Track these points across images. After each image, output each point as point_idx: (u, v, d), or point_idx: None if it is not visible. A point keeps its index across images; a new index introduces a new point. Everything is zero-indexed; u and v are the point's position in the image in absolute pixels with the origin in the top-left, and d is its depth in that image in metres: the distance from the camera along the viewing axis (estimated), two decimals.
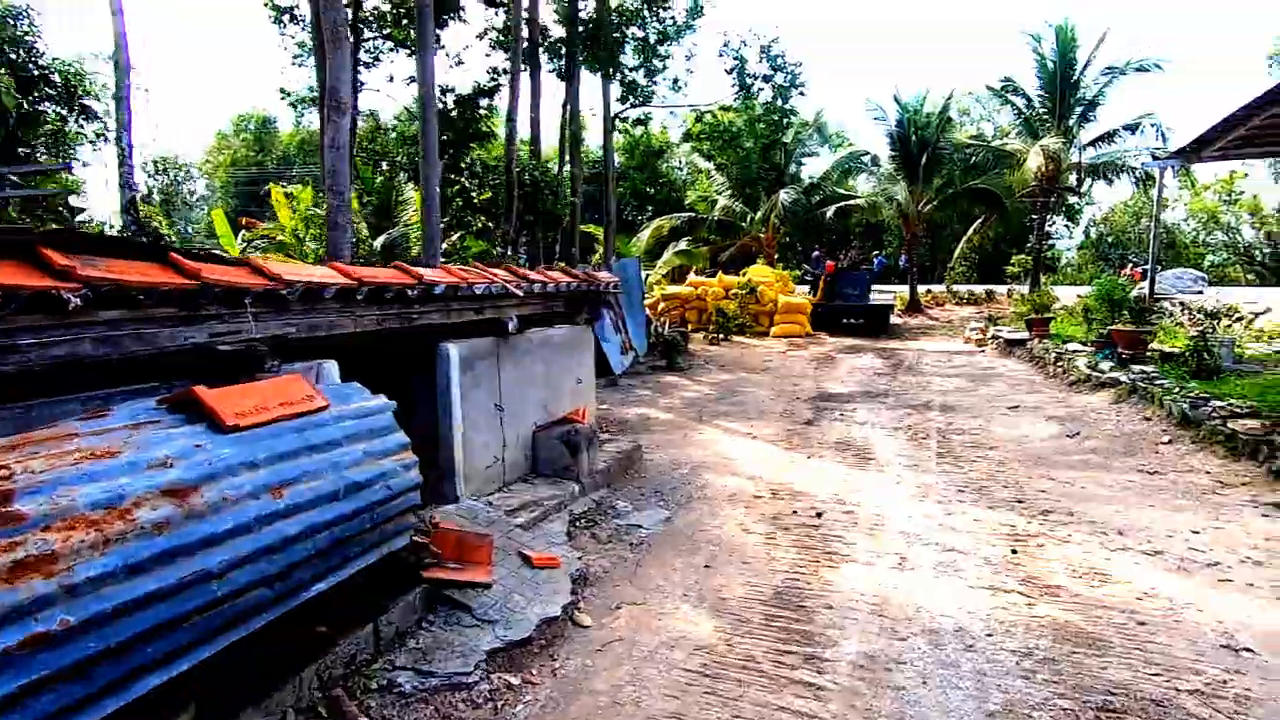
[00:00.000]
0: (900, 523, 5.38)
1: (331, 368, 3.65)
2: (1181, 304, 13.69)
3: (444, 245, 16.00)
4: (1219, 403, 7.44)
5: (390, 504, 3.00)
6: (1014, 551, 4.78)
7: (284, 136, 49.46)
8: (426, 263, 9.09)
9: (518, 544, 4.35)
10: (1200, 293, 21.90)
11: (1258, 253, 39.42)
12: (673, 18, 19.75)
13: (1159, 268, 26.84)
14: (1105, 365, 10.63)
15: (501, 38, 16.39)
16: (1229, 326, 12.52)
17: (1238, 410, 7.05)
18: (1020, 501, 5.86)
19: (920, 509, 5.70)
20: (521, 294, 5.04)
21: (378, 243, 15.99)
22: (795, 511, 5.64)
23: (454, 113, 16.09)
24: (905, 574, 4.48)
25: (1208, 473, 6.44)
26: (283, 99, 16.85)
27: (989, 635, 3.71)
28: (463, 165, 15.76)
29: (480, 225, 15.93)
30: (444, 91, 16.53)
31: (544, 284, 5.50)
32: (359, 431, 2.97)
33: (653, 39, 19.95)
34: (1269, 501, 5.64)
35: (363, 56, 16.99)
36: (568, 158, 16.67)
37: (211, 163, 50.75)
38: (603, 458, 6.34)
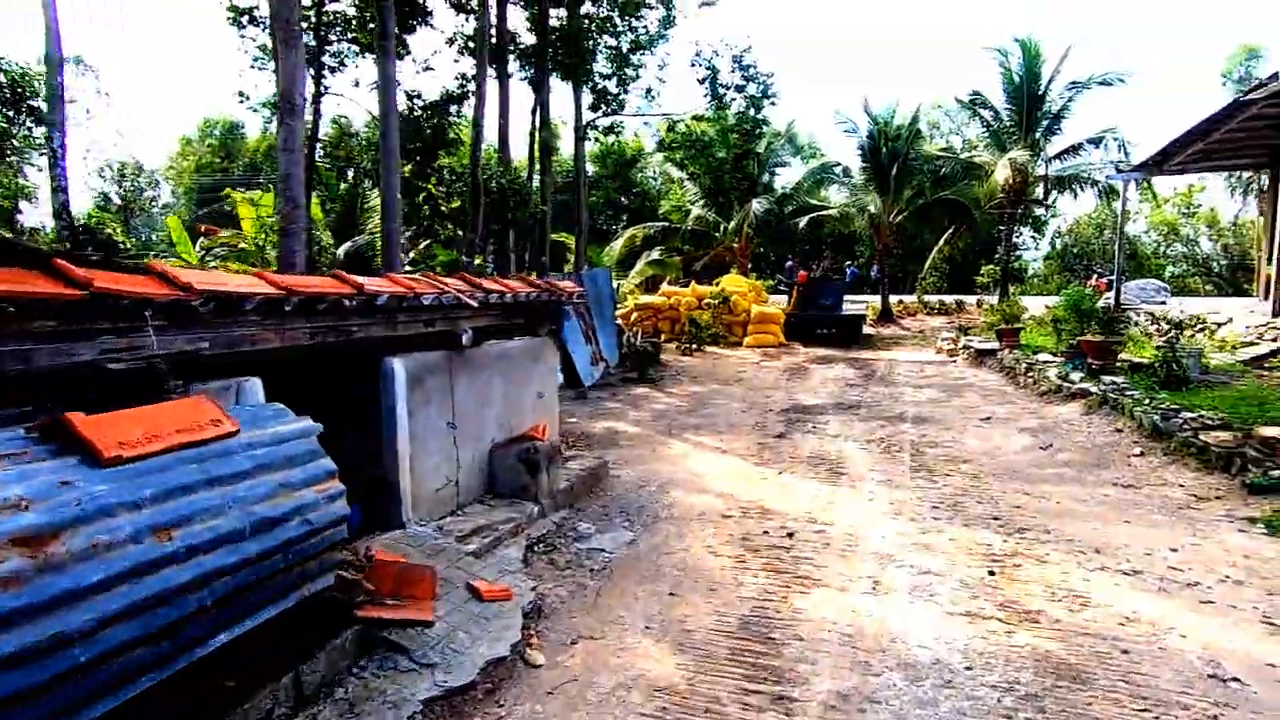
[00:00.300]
0: (874, 543, 5.16)
1: (254, 386, 3.32)
2: (1150, 314, 13.81)
3: (412, 254, 15.63)
4: (1190, 414, 7.38)
5: (310, 540, 2.69)
6: (991, 573, 4.58)
7: (250, 142, 48.42)
8: (383, 271, 8.74)
9: (467, 574, 4.03)
10: (1164, 303, 22.30)
11: (1215, 264, 40.48)
12: (645, 27, 19.67)
13: (1123, 278, 27.42)
14: (1075, 376, 10.61)
15: (470, 44, 16.10)
16: (1192, 337, 12.65)
17: (1209, 422, 6.99)
18: (996, 518, 5.68)
19: (894, 527, 5.49)
20: (476, 304, 4.75)
21: (341, 250, 15.52)
22: (766, 531, 5.40)
23: (422, 119, 15.74)
24: (880, 599, 4.25)
25: (1182, 486, 6.35)
26: (241, 103, 16.34)
27: (968, 669, 3.49)
28: (430, 172, 15.40)
29: (449, 234, 15.57)
30: (412, 97, 16.19)
31: (501, 294, 5.21)
32: (273, 460, 2.65)
33: (625, 48, 19.85)
34: (1244, 516, 5.54)
35: (327, 60, 16.55)
36: (538, 166, 16.39)
37: (176, 168, 49.47)
38: (565, 476, 6.05)
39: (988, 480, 6.86)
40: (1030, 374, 12.48)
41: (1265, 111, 14.98)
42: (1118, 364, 10.73)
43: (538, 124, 15.70)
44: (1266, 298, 17.48)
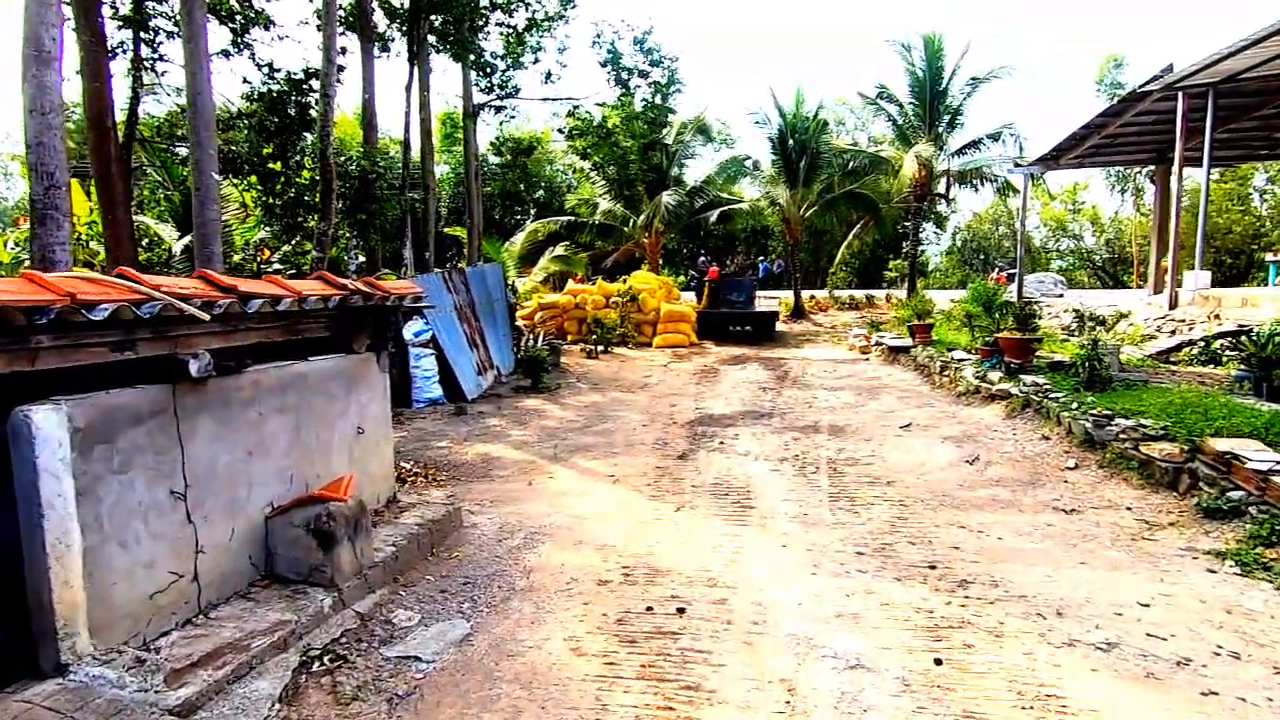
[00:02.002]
0: (788, 617, 3.97)
1: None
2: (1075, 310, 13.52)
3: (281, 250, 13.49)
4: (1125, 421, 6.67)
5: None
6: (939, 661, 3.47)
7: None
8: (197, 269, 6.90)
9: None
10: (1061, 295, 22.85)
11: (1097, 257, 42.89)
12: (543, 4, 18.13)
13: (1024, 272, 28.14)
14: (994, 376, 9.98)
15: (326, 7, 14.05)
16: (1101, 331, 12.41)
17: (1150, 432, 6.27)
18: (932, 567, 4.63)
19: (813, 588, 4.33)
20: (209, 316, 3.20)
21: (178, 246, 13.19)
22: (651, 608, 4.11)
23: (280, 96, 13.60)
24: None
25: (1129, 509, 5.54)
26: None
27: None
28: (290, 156, 13.31)
29: (313, 226, 13.50)
30: (272, 73, 14.01)
31: (274, 300, 3.67)
32: None
33: (521, 26, 18.24)
34: (1208, 550, 4.72)
35: (163, 24, 14.10)
36: (416, 151, 14.56)
37: None
38: (391, 539, 4.56)
39: (916, 508, 5.86)
40: (946, 373, 11.88)
41: (1156, 106, 15.15)
42: (1036, 362, 10.19)
43: (413, 102, 13.88)
44: (1159, 291, 17.93)
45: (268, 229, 14.91)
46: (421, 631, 3.81)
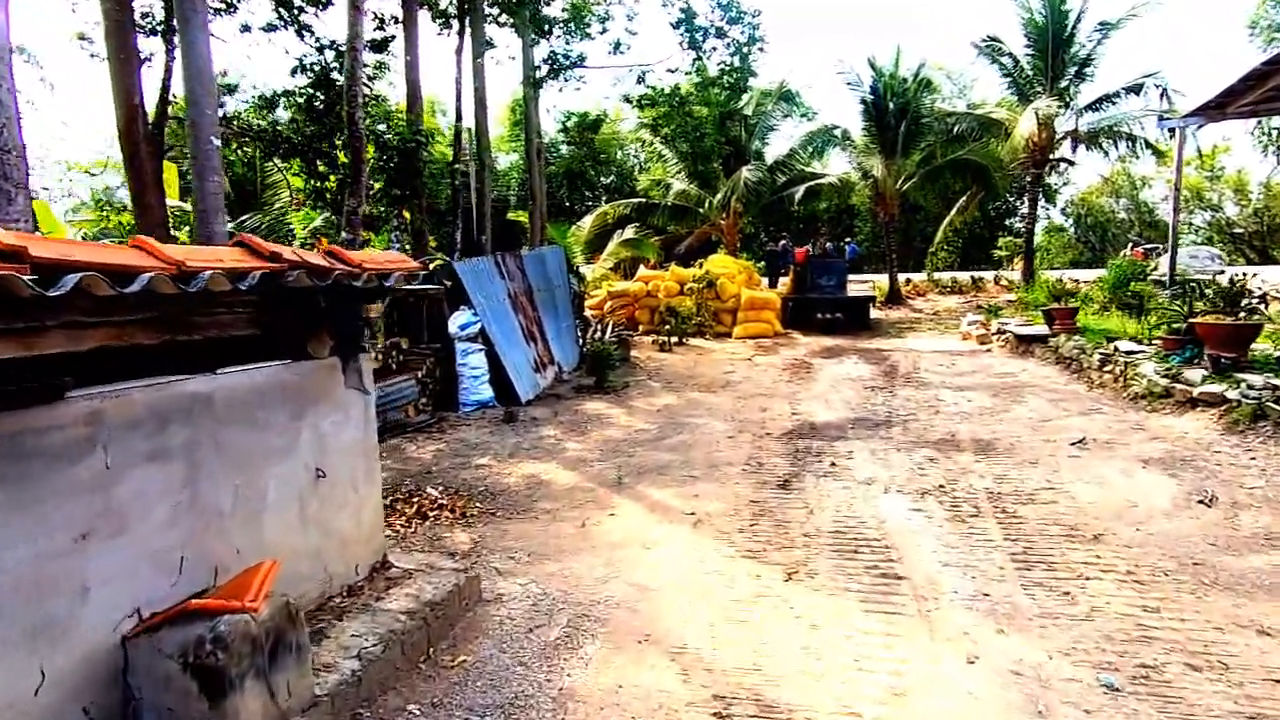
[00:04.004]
0: None
1: None
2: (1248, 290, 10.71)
3: (306, 229, 12.42)
4: None
5: None
6: None
7: None
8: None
9: None
10: (1221, 271, 19.32)
11: (1240, 230, 37.52)
12: None
13: (1160, 248, 24.40)
14: (1192, 375, 7.59)
15: None
16: None
17: None
18: None
19: None
20: None
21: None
22: None
23: (325, 74, 12.49)
24: None
25: None
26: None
27: None
28: (338, 133, 12.18)
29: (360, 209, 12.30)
30: (319, 45, 12.95)
31: (117, 275, 2.10)
32: None
33: None
34: None
35: None
36: (472, 129, 13.16)
37: None
38: (357, 645, 2.98)
39: (1164, 588, 3.82)
40: (1108, 369, 9.46)
41: None
42: (1252, 355, 7.70)
43: (461, 71, 12.46)
44: None
45: (321, 216, 13.97)
46: None
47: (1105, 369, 9.54)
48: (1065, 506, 5.14)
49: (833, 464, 6.46)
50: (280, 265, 2.80)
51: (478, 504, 5.69)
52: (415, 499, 5.75)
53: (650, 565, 4.36)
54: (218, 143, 6.70)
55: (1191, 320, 8.09)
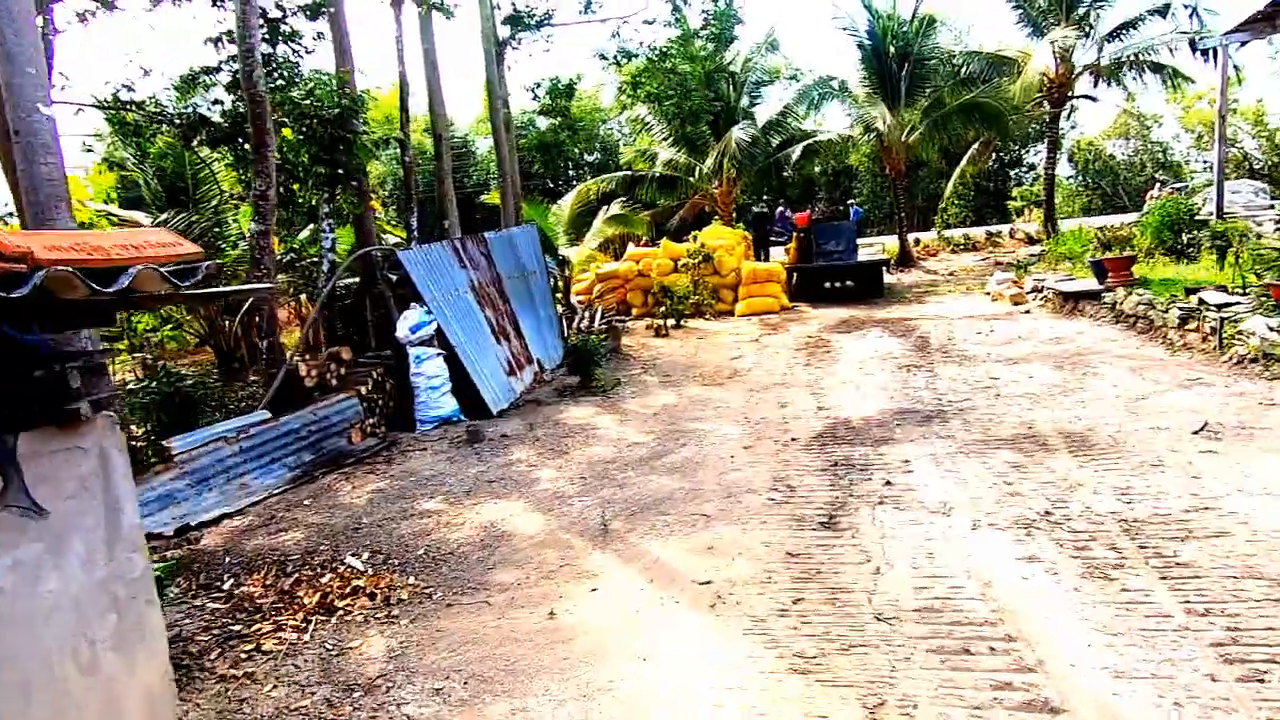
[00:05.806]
0: None
1: None
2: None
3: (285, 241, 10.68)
4: None
5: None
6: None
7: None
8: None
9: None
10: (1271, 207, 17.61)
11: (1259, 163, 35.55)
12: None
13: (1187, 186, 22.60)
14: None
15: None
16: None
17: None
18: None
19: None
20: None
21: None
22: None
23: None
24: None
25: None
26: None
27: None
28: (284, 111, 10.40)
29: (303, 200, 10.57)
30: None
31: None
32: None
33: None
34: None
35: None
36: (423, 102, 11.41)
37: None
38: None
39: None
40: (1191, 327, 7.86)
41: None
42: None
43: (405, 27, 10.68)
44: None
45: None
46: None
47: (1188, 326, 7.93)
48: (1244, 540, 3.57)
49: (887, 482, 4.88)
50: None
51: (411, 579, 4.13)
52: (326, 575, 4.19)
53: (647, 702, 2.79)
54: (47, 112, 5.04)
55: None
